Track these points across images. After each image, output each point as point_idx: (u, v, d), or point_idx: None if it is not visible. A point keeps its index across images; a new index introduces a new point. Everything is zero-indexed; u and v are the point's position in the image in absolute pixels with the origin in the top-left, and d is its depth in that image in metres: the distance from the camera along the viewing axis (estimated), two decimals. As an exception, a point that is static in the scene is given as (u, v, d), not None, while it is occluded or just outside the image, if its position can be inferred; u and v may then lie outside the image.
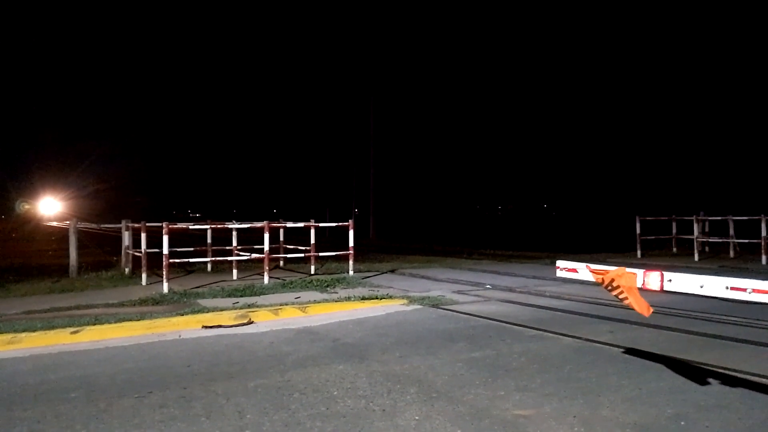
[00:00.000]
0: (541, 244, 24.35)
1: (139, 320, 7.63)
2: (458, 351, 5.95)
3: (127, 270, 13.30)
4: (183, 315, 8.00)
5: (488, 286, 10.89)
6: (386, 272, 13.49)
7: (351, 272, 12.39)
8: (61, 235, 15.08)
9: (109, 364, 5.62)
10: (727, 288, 4.06)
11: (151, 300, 9.35)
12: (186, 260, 12.36)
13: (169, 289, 10.19)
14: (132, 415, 4.17)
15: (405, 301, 9.06)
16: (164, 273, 10.36)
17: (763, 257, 14.53)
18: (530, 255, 18.81)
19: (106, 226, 19.57)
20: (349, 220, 13.32)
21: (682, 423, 3.92)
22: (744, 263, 14.72)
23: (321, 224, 14.84)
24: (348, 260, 12.64)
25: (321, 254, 13.27)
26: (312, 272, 12.83)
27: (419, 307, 8.63)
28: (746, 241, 16.10)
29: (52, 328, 7.19)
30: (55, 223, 13.94)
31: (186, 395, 4.59)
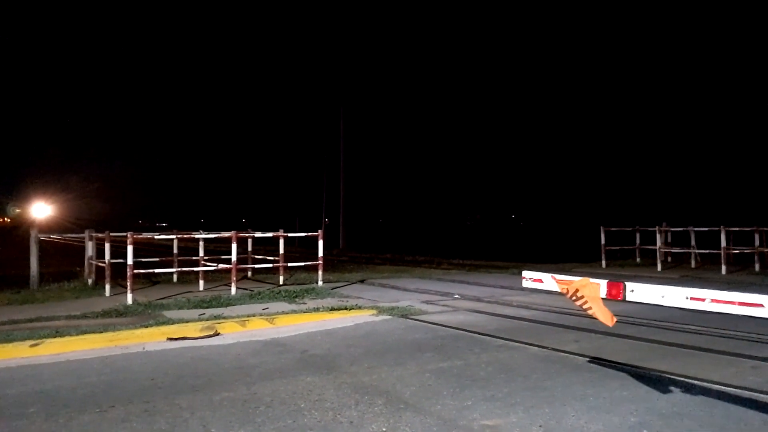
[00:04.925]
0: (508, 254, 24.61)
1: (102, 332, 7.46)
2: (426, 361, 5.96)
3: (90, 281, 12.99)
4: (147, 327, 7.85)
5: (457, 296, 10.95)
6: (356, 282, 13.46)
7: (320, 283, 12.33)
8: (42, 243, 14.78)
9: (70, 377, 5.47)
10: (687, 298, 4.16)
11: (115, 311, 9.15)
12: (151, 271, 12.15)
13: (134, 301, 9.99)
14: (93, 431, 4.07)
15: (374, 311, 9.05)
16: (128, 284, 10.15)
17: (723, 267, 14.92)
18: (498, 265, 18.98)
19: (70, 236, 19.16)
20: (319, 230, 13.28)
21: (645, 431, 3.99)
22: (705, 273, 15.09)
23: (290, 234, 14.74)
24: (317, 270, 12.59)
25: (290, 264, 13.17)
26: (280, 283, 12.73)
27: (388, 317, 8.63)
28: (707, 251, 16.53)
29: (11, 341, 6.97)
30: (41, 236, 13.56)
31: (149, 409, 4.50)
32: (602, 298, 4.71)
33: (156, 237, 13.46)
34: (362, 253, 30.05)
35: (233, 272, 11.36)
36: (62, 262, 18.52)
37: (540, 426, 4.10)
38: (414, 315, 8.77)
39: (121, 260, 11.02)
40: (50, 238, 17.80)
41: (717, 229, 15.38)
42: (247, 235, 14.47)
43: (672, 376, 5.27)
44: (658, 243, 16.87)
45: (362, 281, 13.72)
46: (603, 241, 17.49)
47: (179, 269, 13.09)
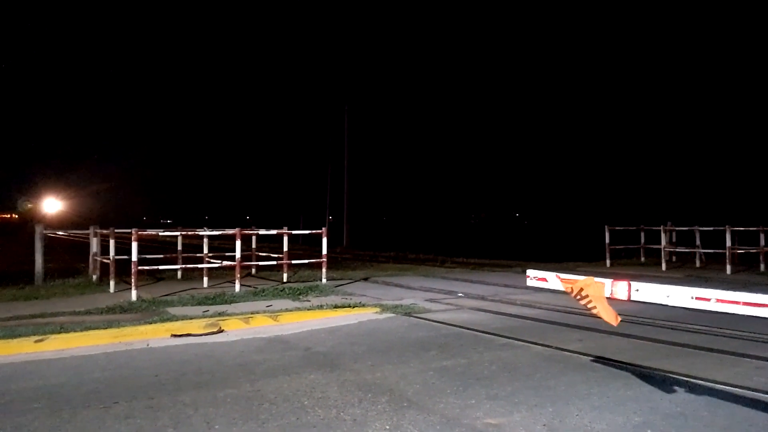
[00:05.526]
0: (512, 253, 24.57)
1: (105, 329, 7.48)
2: (430, 359, 5.96)
3: (94, 277, 13.04)
4: (151, 323, 7.87)
5: (460, 295, 10.94)
6: (359, 280, 13.46)
7: (324, 280, 12.34)
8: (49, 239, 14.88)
9: (74, 373, 5.49)
10: (692, 298, 4.15)
11: (119, 308, 9.18)
12: (155, 267, 12.17)
13: (138, 297, 10.02)
14: (97, 427, 4.08)
15: (378, 309, 9.04)
16: (133, 280, 10.18)
17: (728, 267, 14.86)
18: (502, 263, 18.96)
19: (75, 232, 19.22)
20: (323, 228, 13.28)
21: (649, 431, 3.98)
22: (709, 272, 15.04)
23: (294, 231, 14.77)
24: (321, 268, 12.59)
25: (294, 262, 13.19)
26: (284, 280, 12.74)
27: (392, 315, 8.62)
28: (711, 251, 16.47)
29: (15, 336, 7.00)
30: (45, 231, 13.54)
31: (153, 405, 4.51)
32: (607, 298, 4.70)
33: (160, 234, 13.49)
34: (366, 251, 30.05)
35: (237, 269, 11.37)
36: (66, 258, 18.58)
37: (543, 425, 4.09)
38: (418, 313, 8.76)
39: (125, 257, 11.06)
40: (56, 234, 17.86)
41: (722, 228, 15.33)
42: (251, 232, 14.51)
43: (676, 376, 5.25)
44: (663, 242, 16.82)
45: (366, 279, 13.73)
46: (607, 240, 17.43)
47: (183, 266, 13.12)
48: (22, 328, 7.49)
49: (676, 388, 4.92)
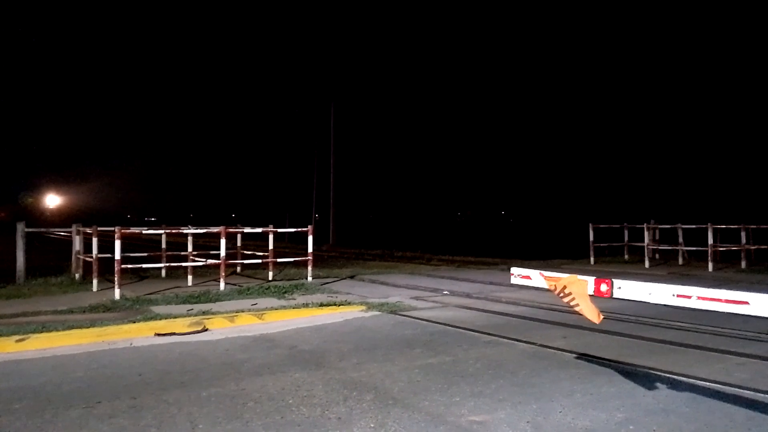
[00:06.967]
0: (498, 251, 24.67)
1: (88, 327, 7.41)
2: (415, 357, 5.97)
3: (77, 275, 12.90)
4: (135, 322, 7.80)
5: (446, 292, 10.97)
6: (345, 278, 13.45)
7: (310, 278, 12.31)
8: (39, 236, 14.65)
9: (56, 373, 5.43)
10: (674, 295, 4.19)
11: (102, 307, 9.09)
12: (139, 266, 12.07)
13: (121, 296, 9.94)
14: (79, 427, 4.04)
15: (363, 307, 9.04)
16: (116, 279, 10.09)
17: (710, 264, 15.05)
18: (487, 261, 19.05)
19: (58, 230, 19.03)
20: (309, 226, 13.26)
21: (631, 427, 4.02)
22: (692, 270, 15.22)
23: (280, 230, 14.75)
24: (307, 266, 12.56)
25: (279, 260, 13.14)
26: (270, 278, 12.69)
27: (378, 313, 8.63)
28: (694, 248, 16.67)
29: (-4, 336, 6.91)
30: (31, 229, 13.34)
31: (136, 405, 4.48)
32: (590, 295, 4.73)
33: (144, 232, 13.38)
34: (352, 248, 30.02)
35: (222, 267, 11.31)
36: (50, 257, 18.36)
37: (527, 422, 4.11)
38: (403, 311, 8.77)
39: (108, 255, 10.95)
40: (39, 231, 17.64)
41: (704, 226, 15.51)
42: (236, 230, 14.43)
43: (659, 373, 5.31)
44: (646, 240, 16.99)
45: (352, 277, 13.72)
46: (591, 238, 17.59)
47: (168, 264, 13.02)
48: (3, 328, 7.38)
49: (658, 384, 4.98)
